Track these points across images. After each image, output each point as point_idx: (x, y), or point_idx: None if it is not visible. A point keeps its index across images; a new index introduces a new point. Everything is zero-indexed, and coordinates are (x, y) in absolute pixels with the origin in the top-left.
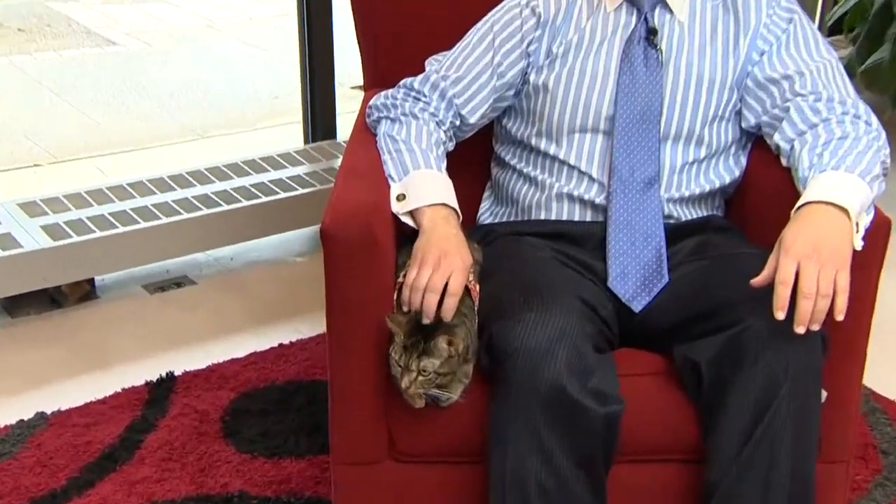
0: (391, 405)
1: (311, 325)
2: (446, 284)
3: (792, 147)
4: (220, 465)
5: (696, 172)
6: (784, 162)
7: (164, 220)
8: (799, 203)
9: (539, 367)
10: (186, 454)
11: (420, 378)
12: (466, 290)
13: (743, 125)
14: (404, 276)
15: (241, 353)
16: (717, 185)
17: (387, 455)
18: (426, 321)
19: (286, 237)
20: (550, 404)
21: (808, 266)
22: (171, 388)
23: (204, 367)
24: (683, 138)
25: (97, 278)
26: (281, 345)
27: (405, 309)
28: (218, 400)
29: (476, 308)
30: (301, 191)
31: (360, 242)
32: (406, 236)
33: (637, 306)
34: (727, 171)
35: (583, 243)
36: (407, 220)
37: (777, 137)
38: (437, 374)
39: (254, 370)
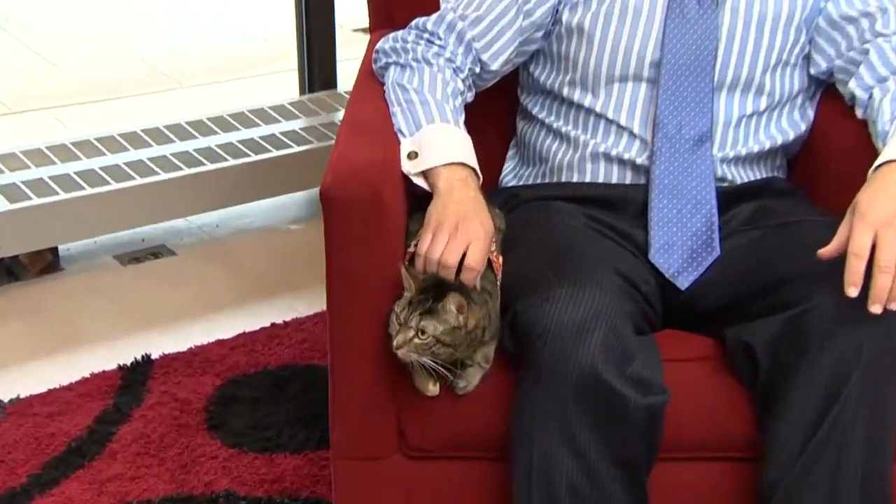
0: (401, 393)
1: (309, 303)
2: (464, 256)
3: (870, 96)
4: (204, 462)
5: (754, 127)
6: (860, 114)
7: (139, 180)
8: (877, 162)
9: (571, 350)
10: (165, 448)
11: (416, 340)
12: (488, 262)
13: (812, 71)
14: (416, 245)
15: (227, 333)
16: (779, 141)
17: (395, 449)
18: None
19: (280, 202)
20: (583, 393)
21: (886, 235)
22: (148, 374)
23: (185, 349)
24: (741, 87)
25: (61, 247)
26: (273, 324)
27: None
28: (201, 387)
29: (499, 283)
30: (297, 148)
31: (366, 207)
32: (418, 200)
33: (683, 282)
34: (791, 125)
35: (622, 210)
36: (419, 181)
37: (852, 85)
38: (437, 340)
39: (242, 353)
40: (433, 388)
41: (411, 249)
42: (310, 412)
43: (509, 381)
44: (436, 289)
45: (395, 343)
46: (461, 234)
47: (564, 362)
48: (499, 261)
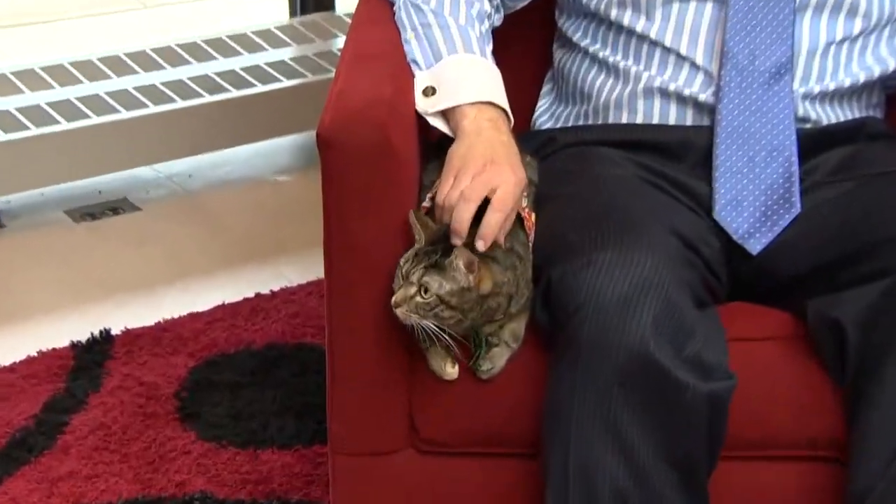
0: (413, 377)
1: (301, 269)
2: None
3: None
4: (175, 458)
5: (846, 56)
6: None
7: (94, 119)
8: None
9: (616, 325)
10: (128, 442)
11: (417, 298)
12: (517, 218)
13: None
14: (432, 199)
15: (203, 304)
16: (877, 73)
17: (405, 444)
18: (455, 241)
19: (266, 147)
20: (632, 378)
21: None
22: (107, 352)
23: (152, 323)
24: (830, 7)
25: (1, 199)
26: (259, 295)
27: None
28: (171, 369)
29: (530, 245)
30: (286, 82)
31: (372, 154)
32: (435, 147)
33: (755, 245)
34: (892, 52)
35: (681, 157)
36: (437, 123)
37: None
38: (441, 301)
39: (221, 329)
40: (451, 370)
41: (427, 204)
42: (302, 400)
43: (542, 362)
44: (448, 241)
45: (393, 299)
46: (487, 175)
47: (609, 341)
48: (531, 218)
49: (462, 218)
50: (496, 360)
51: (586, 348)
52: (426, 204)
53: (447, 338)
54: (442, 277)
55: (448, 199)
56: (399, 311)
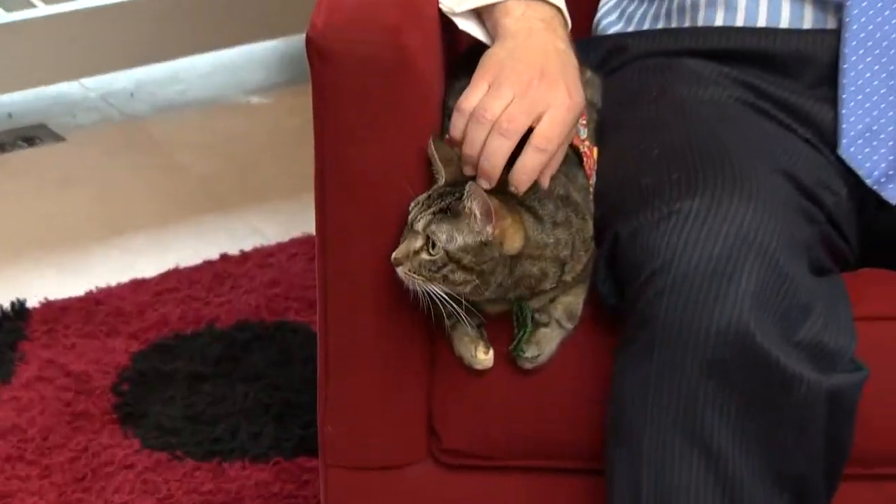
0: (435, 369)
1: (280, 222)
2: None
3: None
4: (113, 472)
5: None
6: None
7: (1, 16)
8: None
9: (706, 299)
10: (51, 451)
11: (423, 255)
12: (573, 153)
13: None
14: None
15: (149, 268)
16: None
17: (422, 454)
18: (484, 184)
19: (234, 58)
20: (726, 370)
21: None
22: (21, 331)
23: (82, 292)
24: None
25: None
26: (225, 256)
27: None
28: (108, 354)
29: (591, 191)
30: None
31: (380, 67)
32: (465, 60)
33: (894, 193)
34: None
35: (796, 73)
36: (469, 26)
37: None
38: (451, 259)
39: (174, 301)
40: (483, 357)
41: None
42: (283, 397)
43: (606, 348)
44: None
45: (393, 255)
46: (533, 95)
47: (695, 319)
48: (592, 155)
49: (493, 157)
50: (544, 344)
51: (665, 330)
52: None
53: (459, 310)
54: (453, 227)
55: (479, 111)
56: (400, 271)
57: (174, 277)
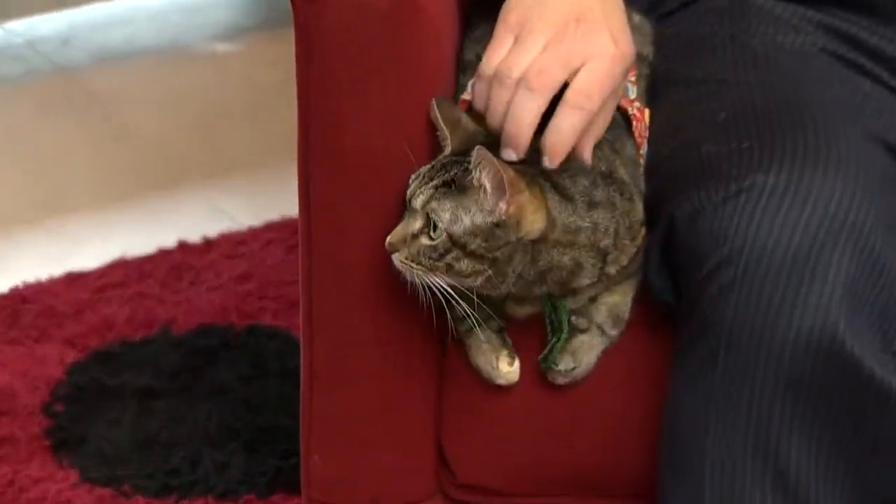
0: (448, 386)
1: (252, 201)
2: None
3: None
4: None
5: None
6: None
7: None
8: None
9: (785, 294)
10: None
11: (423, 239)
12: (621, 116)
13: None
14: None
15: (89, 259)
16: None
17: (432, 490)
18: (509, 154)
19: None
20: (808, 381)
21: None
22: None
23: (6, 289)
24: None
25: None
26: (183, 244)
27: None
28: (38, 366)
29: (642, 162)
30: None
31: (380, 7)
32: (481, 3)
33: None
34: None
35: (891, 16)
36: None
37: None
38: (456, 243)
39: (120, 300)
40: (506, 369)
41: (467, 96)
42: (256, 420)
43: (657, 357)
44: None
45: (388, 238)
46: (570, 44)
47: (771, 321)
48: (643, 118)
49: (521, 115)
50: (582, 354)
51: (733, 334)
52: (466, 97)
53: (469, 310)
54: (458, 203)
55: (502, 68)
56: (396, 259)
57: (120, 270)
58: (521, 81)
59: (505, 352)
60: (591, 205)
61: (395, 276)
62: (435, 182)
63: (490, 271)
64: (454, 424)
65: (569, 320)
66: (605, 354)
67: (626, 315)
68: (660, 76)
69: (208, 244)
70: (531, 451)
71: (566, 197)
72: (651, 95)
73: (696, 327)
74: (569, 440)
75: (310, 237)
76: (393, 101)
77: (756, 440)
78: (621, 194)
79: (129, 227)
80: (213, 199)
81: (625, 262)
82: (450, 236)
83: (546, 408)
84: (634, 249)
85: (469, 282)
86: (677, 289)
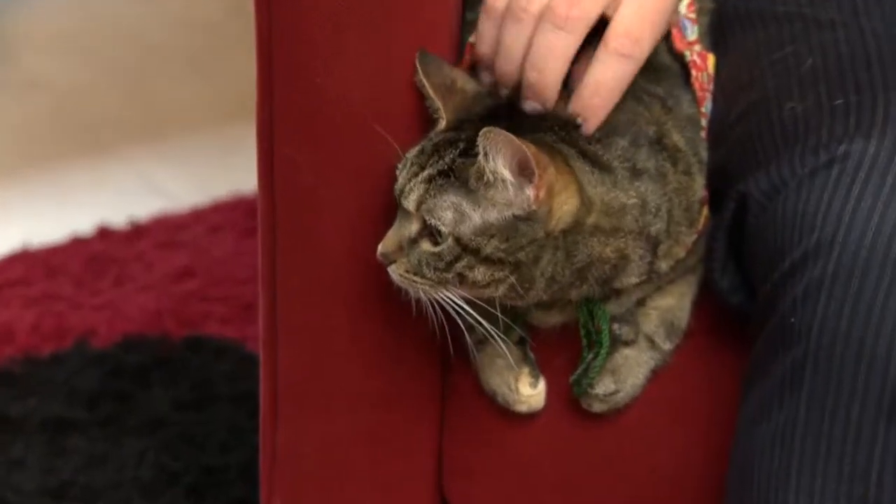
0: (451, 412)
1: (193, 175)
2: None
3: None
4: None
5: None
6: None
7: None
8: None
9: (889, 294)
10: None
11: (423, 245)
12: (677, 63)
13: None
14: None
15: None
16: None
17: None
18: (532, 106)
19: None
20: None
21: None
22: None
23: None
24: None
25: None
26: (103, 230)
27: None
28: None
29: (704, 124)
30: None
31: None
32: None
33: None
34: None
35: None
36: None
37: None
38: (466, 248)
39: (21, 303)
40: (528, 392)
41: (471, 49)
42: (198, 462)
43: (724, 375)
44: (485, 122)
45: (379, 247)
46: None
47: (871, 330)
48: (706, 65)
49: (548, 56)
50: (626, 374)
51: (823, 343)
52: (474, 38)
53: (492, 331)
54: (462, 197)
55: (513, 22)
56: (393, 273)
57: (22, 263)
58: (543, 16)
59: (526, 370)
60: (635, 173)
61: (383, 273)
62: (428, 172)
63: (513, 278)
64: (460, 464)
65: (609, 330)
66: (656, 375)
67: (684, 324)
68: (728, 11)
69: (137, 230)
70: (558, 499)
71: (601, 166)
72: (717, 36)
73: (775, 337)
74: (607, 485)
75: (273, 221)
76: (380, 52)
77: (852, 479)
78: (674, 165)
79: (34, 206)
80: (143, 170)
81: (681, 255)
82: (457, 240)
83: (578, 443)
84: (693, 237)
85: (488, 292)
86: (750, 289)
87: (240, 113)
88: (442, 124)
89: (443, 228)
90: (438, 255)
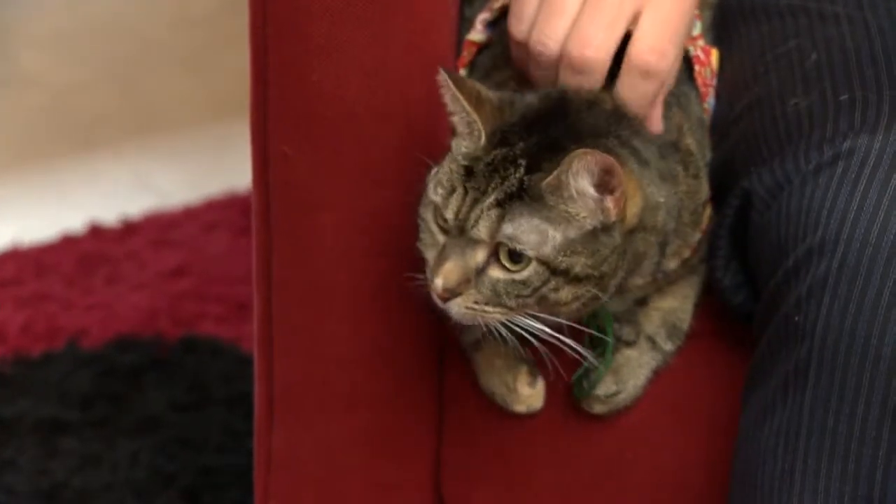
0: (450, 413)
1: (187, 172)
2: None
3: None
4: None
5: None
6: None
7: None
8: None
9: (894, 292)
10: None
11: (495, 274)
12: (684, 64)
13: None
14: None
15: None
16: None
17: None
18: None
19: None
20: None
21: None
22: None
23: None
24: None
25: None
26: (95, 228)
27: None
28: None
29: (708, 120)
30: None
31: None
32: None
33: None
34: None
35: None
36: None
37: None
38: (555, 270)
39: (14, 303)
40: (527, 391)
41: (475, 37)
42: (193, 464)
43: (726, 376)
44: (533, 132)
45: (437, 282)
46: None
47: (876, 329)
48: (709, 60)
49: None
50: (627, 374)
51: (827, 342)
52: (474, 35)
53: (568, 342)
54: (541, 216)
55: (535, 61)
56: (456, 309)
57: (13, 262)
58: (562, 59)
59: (524, 369)
60: (662, 177)
61: (379, 271)
62: (494, 196)
63: (595, 290)
64: (458, 465)
65: (611, 329)
66: (658, 376)
67: (686, 325)
68: (732, 5)
69: (129, 228)
70: (557, 501)
71: (641, 162)
72: (720, 31)
73: (778, 336)
74: (608, 488)
75: (267, 219)
76: (377, 45)
77: (857, 479)
78: (685, 168)
79: (26, 205)
80: (136, 167)
81: (686, 255)
82: (543, 262)
83: (578, 445)
84: (698, 237)
85: (564, 310)
86: (753, 288)
87: (234, 110)
88: (482, 141)
89: (529, 252)
90: (523, 282)
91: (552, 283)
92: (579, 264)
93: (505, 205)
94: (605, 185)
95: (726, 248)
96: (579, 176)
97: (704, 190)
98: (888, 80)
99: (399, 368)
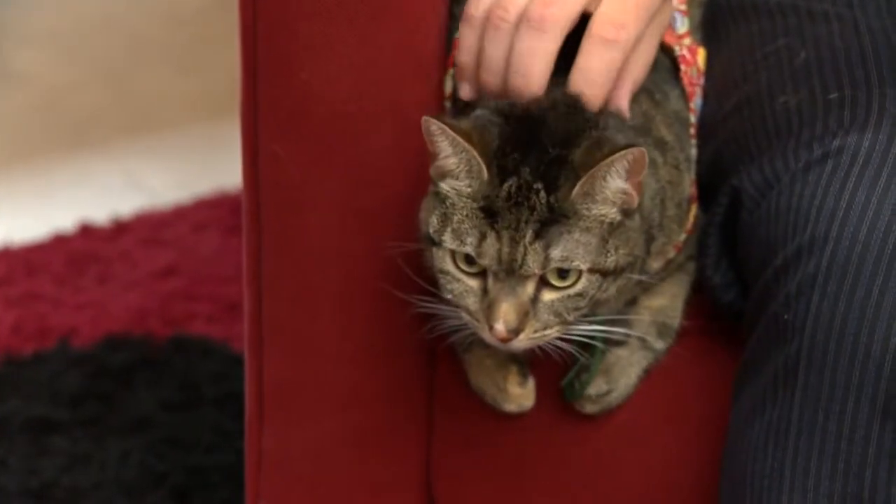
0: (437, 416)
1: (177, 170)
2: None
3: None
4: None
5: None
6: None
7: None
8: None
9: (883, 291)
10: None
11: (548, 295)
12: (666, 58)
13: None
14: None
15: None
16: None
17: None
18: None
19: None
20: None
21: None
22: None
23: None
24: None
25: None
26: (85, 227)
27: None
28: None
29: (693, 120)
30: None
31: None
32: None
33: None
34: None
35: None
36: None
37: None
38: (606, 273)
39: (3, 303)
40: (517, 391)
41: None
42: (183, 463)
43: (715, 375)
44: (526, 152)
45: (498, 325)
46: None
47: (865, 329)
48: (695, 59)
49: (526, 58)
50: (618, 374)
51: (816, 340)
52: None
53: (622, 332)
54: (576, 229)
55: (492, 30)
56: (517, 345)
57: (4, 262)
58: (521, 19)
59: (514, 368)
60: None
61: (370, 271)
62: (531, 230)
63: (634, 276)
64: (448, 465)
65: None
66: (648, 375)
67: (676, 324)
68: (721, 3)
69: (119, 227)
70: (547, 501)
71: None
72: (709, 29)
73: (768, 334)
74: (599, 487)
75: (257, 218)
76: (364, 45)
77: (846, 477)
78: (663, 155)
79: (15, 203)
80: (126, 166)
81: (671, 254)
82: (593, 270)
83: (569, 445)
84: (683, 236)
85: (612, 305)
86: (743, 286)
87: (225, 109)
88: (484, 175)
89: (583, 267)
90: (579, 294)
91: (604, 285)
92: (621, 256)
93: (543, 233)
94: (634, 175)
95: (716, 247)
96: (613, 175)
97: (687, 183)
98: (877, 79)
99: (389, 368)
